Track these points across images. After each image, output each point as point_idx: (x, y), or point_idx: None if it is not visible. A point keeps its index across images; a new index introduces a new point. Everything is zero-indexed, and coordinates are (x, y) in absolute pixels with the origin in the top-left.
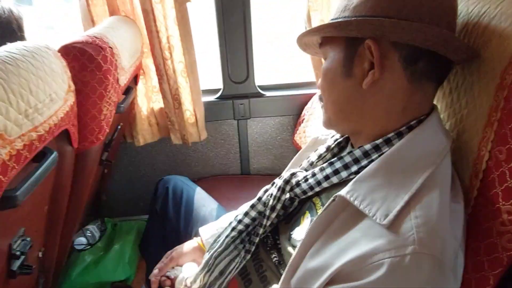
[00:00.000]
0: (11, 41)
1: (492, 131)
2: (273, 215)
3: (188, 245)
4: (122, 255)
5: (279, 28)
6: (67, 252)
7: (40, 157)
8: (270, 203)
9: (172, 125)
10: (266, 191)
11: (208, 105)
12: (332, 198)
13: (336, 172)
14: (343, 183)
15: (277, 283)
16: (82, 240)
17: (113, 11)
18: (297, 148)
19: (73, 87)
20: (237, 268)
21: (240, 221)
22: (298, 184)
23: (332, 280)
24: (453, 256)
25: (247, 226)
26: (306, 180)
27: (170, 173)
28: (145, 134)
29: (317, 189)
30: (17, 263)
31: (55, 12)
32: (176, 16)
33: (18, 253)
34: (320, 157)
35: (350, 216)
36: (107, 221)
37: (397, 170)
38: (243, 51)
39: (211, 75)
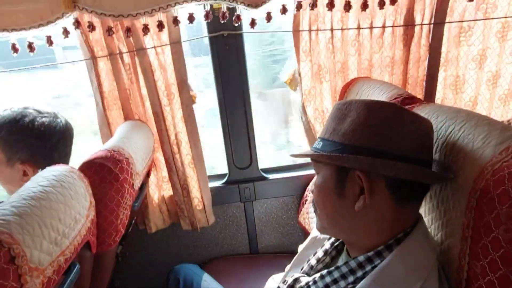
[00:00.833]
0: (62, 153)
1: (467, 245)
2: None
3: None
4: None
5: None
6: None
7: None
8: None
9: (181, 212)
10: None
11: (215, 190)
12: None
13: (335, 281)
14: None
15: None
16: None
17: (127, 115)
18: (302, 228)
19: (93, 202)
20: None
21: None
22: None
23: None
24: None
25: None
26: (309, 287)
27: (181, 257)
28: (156, 221)
29: None
30: None
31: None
32: (183, 115)
33: None
34: (319, 260)
35: None
36: None
37: (388, 285)
38: (245, 141)
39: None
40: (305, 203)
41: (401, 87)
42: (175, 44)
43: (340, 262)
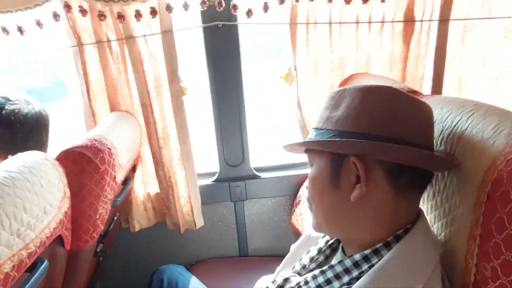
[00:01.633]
0: (36, 142)
1: (475, 245)
2: None
3: None
4: None
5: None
6: None
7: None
8: None
9: (167, 211)
10: None
11: (205, 188)
12: None
13: (328, 281)
14: None
15: None
16: None
17: (113, 106)
18: (294, 230)
19: (68, 193)
20: None
21: None
22: None
23: None
24: None
25: None
26: (300, 287)
27: (166, 258)
28: (140, 220)
29: None
30: None
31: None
32: (172, 108)
33: None
34: (312, 259)
35: None
36: None
37: (388, 285)
38: (238, 137)
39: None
40: (298, 204)
41: None
42: (167, 33)
43: (335, 261)
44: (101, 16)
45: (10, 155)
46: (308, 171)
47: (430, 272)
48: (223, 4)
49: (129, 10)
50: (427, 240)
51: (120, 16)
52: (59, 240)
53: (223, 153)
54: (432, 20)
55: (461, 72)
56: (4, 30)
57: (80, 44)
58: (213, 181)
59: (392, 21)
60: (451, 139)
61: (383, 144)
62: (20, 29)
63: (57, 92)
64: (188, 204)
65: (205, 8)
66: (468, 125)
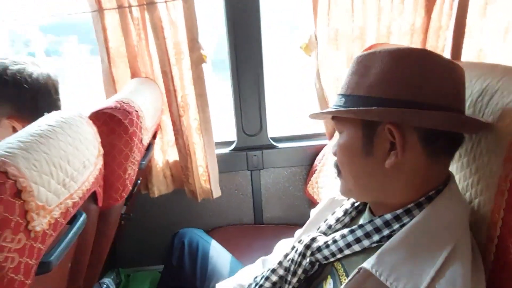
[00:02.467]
0: (48, 103)
1: (503, 199)
2: (294, 279)
3: None
4: None
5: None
6: None
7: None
8: (292, 268)
9: (186, 179)
10: (286, 255)
11: (222, 157)
12: (356, 270)
13: (358, 240)
14: (364, 250)
15: None
16: None
17: (134, 73)
18: (309, 199)
19: (102, 151)
20: None
21: (261, 286)
22: (319, 249)
23: None
24: None
25: None
26: (328, 246)
27: (184, 224)
28: (159, 186)
29: (339, 255)
30: None
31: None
32: (192, 76)
33: None
34: (338, 220)
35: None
36: (121, 271)
37: (420, 243)
38: (256, 106)
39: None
40: (314, 173)
41: None
42: None
43: (362, 221)
44: None
45: (23, 117)
46: (323, 142)
47: (462, 232)
48: None
49: None
50: (458, 201)
51: None
52: (93, 197)
53: (241, 122)
54: None
55: (481, 45)
56: None
57: (100, 9)
58: (231, 150)
59: None
60: (480, 101)
61: (421, 111)
62: None
63: None
64: (205, 173)
65: None
66: (498, 88)
